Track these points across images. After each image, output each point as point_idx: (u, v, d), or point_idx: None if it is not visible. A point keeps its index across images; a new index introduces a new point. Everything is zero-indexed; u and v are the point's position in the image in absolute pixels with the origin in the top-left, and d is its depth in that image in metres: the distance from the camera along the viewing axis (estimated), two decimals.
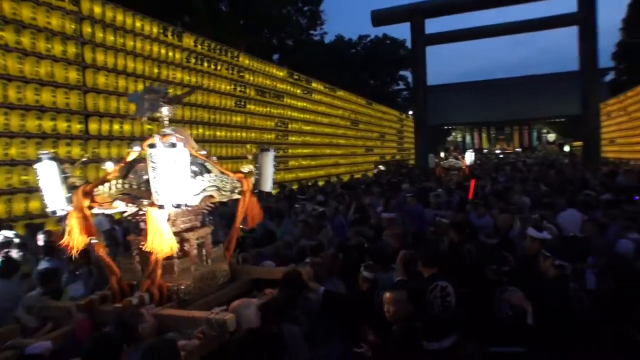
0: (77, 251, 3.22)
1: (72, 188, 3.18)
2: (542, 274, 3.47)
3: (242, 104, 14.37)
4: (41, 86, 8.22)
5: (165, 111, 3.32)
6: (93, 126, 9.24)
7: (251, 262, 4.31)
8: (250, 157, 3.80)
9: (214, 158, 3.59)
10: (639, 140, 20.18)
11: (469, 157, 13.46)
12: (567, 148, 40.63)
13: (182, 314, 2.92)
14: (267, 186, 3.83)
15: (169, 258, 3.23)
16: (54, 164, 3.17)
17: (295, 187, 14.17)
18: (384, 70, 40.58)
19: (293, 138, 17.54)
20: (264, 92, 15.68)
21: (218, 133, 13.07)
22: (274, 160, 3.88)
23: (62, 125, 8.61)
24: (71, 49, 8.77)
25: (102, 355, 2.27)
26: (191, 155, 3.13)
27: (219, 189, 3.35)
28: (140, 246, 3.25)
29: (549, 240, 4.09)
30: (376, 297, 3.32)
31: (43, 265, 4.95)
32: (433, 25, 24.89)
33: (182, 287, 3.21)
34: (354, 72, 35.33)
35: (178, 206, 2.83)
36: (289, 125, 17.36)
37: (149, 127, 10.58)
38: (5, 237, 5.96)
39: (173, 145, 2.74)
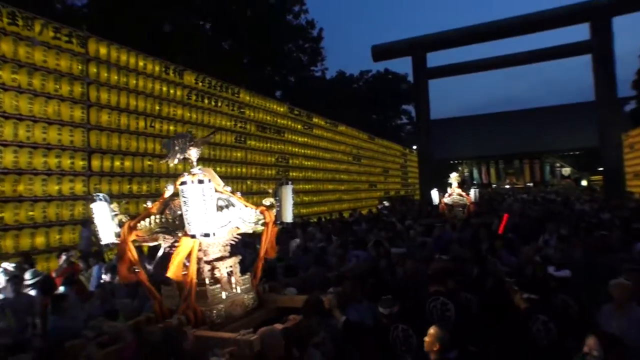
0: (123, 278, 3.71)
1: (120, 224, 3.66)
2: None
3: (243, 139, 14.63)
4: (49, 125, 8.53)
5: (193, 153, 3.73)
6: (95, 163, 9.47)
7: (279, 291, 4.52)
8: (270, 190, 4.21)
9: (238, 193, 3.93)
10: None
11: (474, 193, 13.20)
12: (584, 182, 38.79)
13: (214, 334, 3.27)
14: (288, 217, 4.21)
15: (202, 284, 3.63)
16: (105, 203, 3.68)
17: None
18: (386, 104, 41.15)
19: (294, 174, 17.63)
20: (264, 127, 15.97)
21: (218, 169, 13.21)
22: (292, 193, 4.27)
23: (66, 162, 8.85)
24: (77, 89, 9.13)
25: None
26: (217, 191, 3.55)
27: (243, 220, 3.72)
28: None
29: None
30: (392, 332, 3.43)
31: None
32: (435, 59, 25.04)
33: (215, 311, 3.56)
34: (357, 107, 35.80)
35: (207, 235, 3.21)
36: (290, 161, 17.54)
37: (150, 163, 10.83)
38: (5, 269, 6.13)
39: (201, 181, 3.17)
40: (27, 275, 5.84)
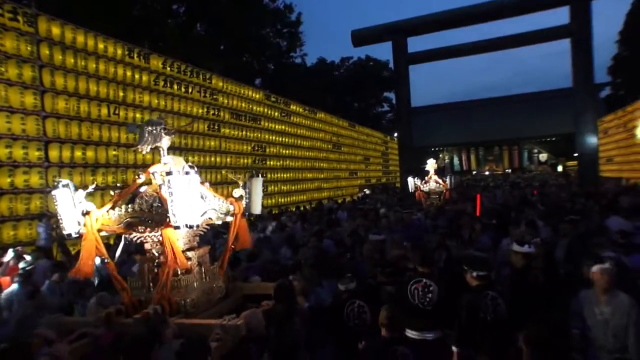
0: (85, 274, 3.55)
1: (84, 213, 3.47)
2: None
3: (216, 127, 13.99)
4: None
5: (165, 141, 3.68)
6: (53, 153, 8.79)
7: (240, 277, 4.72)
8: (240, 182, 4.16)
9: (207, 184, 3.87)
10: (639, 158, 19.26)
11: (449, 179, 13.02)
12: (559, 168, 40.28)
13: (199, 322, 3.39)
14: (257, 209, 4.22)
15: (174, 275, 3.61)
16: (68, 190, 3.46)
17: (275, 212, 13.76)
18: (367, 92, 40.59)
19: (272, 162, 17.13)
20: (239, 115, 15.34)
21: (190, 158, 12.59)
22: (262, 185, 4.27)
23: (18, 153, 8.16)
24: (27, 72, 8.38)
25: (138, 352, 2.84)
26: None
27: (216, 211, 3.76)
28: (151, 264, 3.67)
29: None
30: (347, 307, 3.79)
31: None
32: (416, 44, 24.59)
33: (189, 300, 3.59)
34: (337, 95, 35.22)
35: (191, 226, 3.23)
36: (267, 149, 16.99)
37: (115, 153, 10.17)
38: None
39: (187, 172, 3.18)
40: (22, 264, 5.71)
